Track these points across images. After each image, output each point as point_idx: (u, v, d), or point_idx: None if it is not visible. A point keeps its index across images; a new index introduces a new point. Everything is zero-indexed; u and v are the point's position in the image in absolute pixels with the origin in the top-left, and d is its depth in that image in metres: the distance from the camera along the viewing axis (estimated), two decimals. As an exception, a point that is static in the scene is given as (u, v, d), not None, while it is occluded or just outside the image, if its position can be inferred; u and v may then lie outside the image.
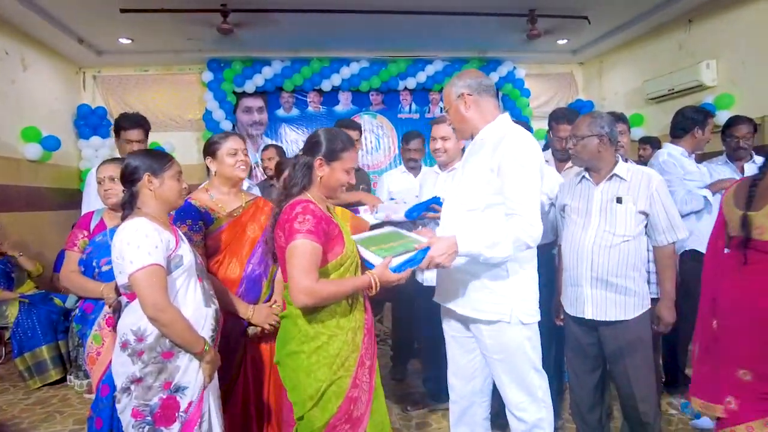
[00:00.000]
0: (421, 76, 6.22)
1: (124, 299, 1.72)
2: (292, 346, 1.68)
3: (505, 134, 1.84)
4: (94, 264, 2.14)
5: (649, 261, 2.28)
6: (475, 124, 1.92)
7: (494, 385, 2.05)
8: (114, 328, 1.78)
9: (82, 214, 2.40)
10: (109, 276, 2.10)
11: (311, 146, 1.76)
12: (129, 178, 1.74)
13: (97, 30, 4.93)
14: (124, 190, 1.77)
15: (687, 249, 2.86)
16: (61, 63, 5.48)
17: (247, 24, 4.86)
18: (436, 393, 2.95)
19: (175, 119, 6.04)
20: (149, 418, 1.62)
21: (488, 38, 5.71)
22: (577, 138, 2.17)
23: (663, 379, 2.96)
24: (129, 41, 5.23)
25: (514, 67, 6.36)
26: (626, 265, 2.10)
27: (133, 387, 1.62)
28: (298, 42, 5.58)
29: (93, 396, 3.31)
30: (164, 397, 1.62)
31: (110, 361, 2.05)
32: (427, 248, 1.71)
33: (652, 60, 5.66)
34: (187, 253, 1.72)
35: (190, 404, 1.66)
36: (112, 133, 2.85)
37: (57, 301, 3.78)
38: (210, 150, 2.14)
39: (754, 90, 4.47)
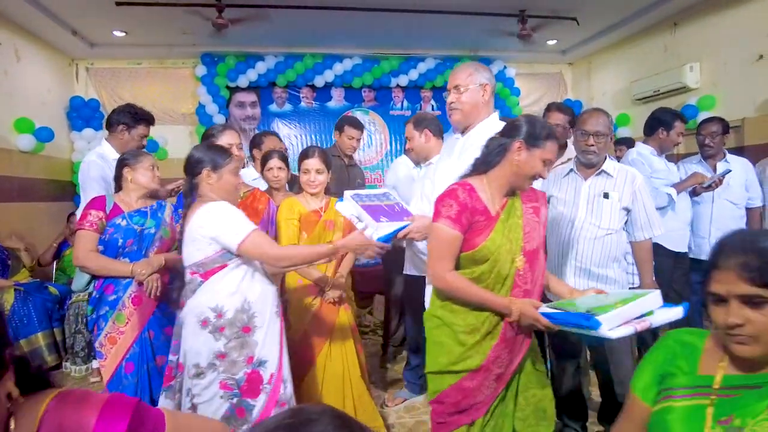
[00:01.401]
0: (413, 74, 6.29)
1: (197, 278, 1.78)
2: (426, 312, 1.81)
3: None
4: (119, 244, 2.22)
5: (627, 254, 2.40)
6: (478, 116, 2.03)
7: None
8: (146, 300, 1.92)
9: (87, 199, 2.43)
10: (133, 256, 2.22)
11: (512, 128, 1.69)
12: (191, 170, 1.85)
13: (92, 22, 4.94)
14: (185, 179, 1.88)
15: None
16: (54, 55, 5.48)
17: (241, 19, 4.90)
18: (411, 381, 3.06)
19: (169, 113, 6.06)
20: (237, 390, 1.74)
21: (479, 37, 5.80)
22: (601, 135, 2.21)
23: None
24: (123, 34, 5.24)
25: (505, 66, 6.46)
26: (608, 256, 2.22)
27: (218, 362, 1.73)
28: (292, 38, 5.63)
29: (95, 379, 3.42)
30: (249, 371, 1.75)
31: (134, 339, 2.16)
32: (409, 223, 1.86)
33: (639, 61, 5.79)
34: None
35: (272, 376, 1.79)
36: (115, 126, 2.83)
37: (51, 289, 3.81)
38: (207, 142, 2.23)
39: (734, 92, 4.61)
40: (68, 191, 5.44)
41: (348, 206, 1.92)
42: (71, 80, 5.85)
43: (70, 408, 0.74)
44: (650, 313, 1.51)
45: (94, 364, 3.59)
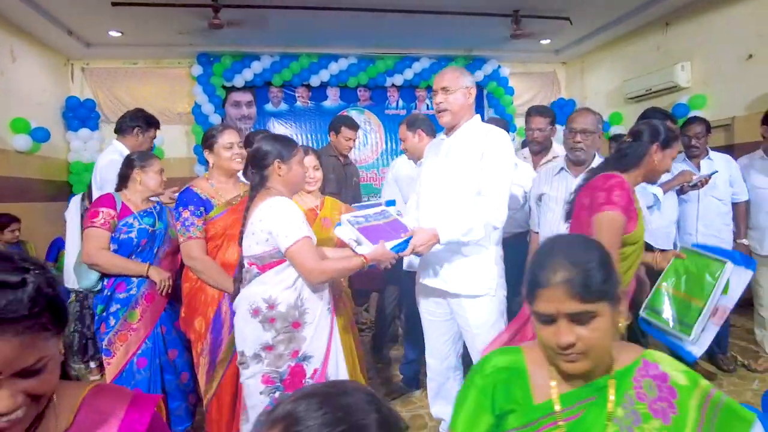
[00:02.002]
0: (408, 73, 6.34)
1: (254, 269, 1.82)
2: None
3: (490, 129, 2.07)
4: (134, 243, 2.26)
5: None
6: (463, 117, 2.10)
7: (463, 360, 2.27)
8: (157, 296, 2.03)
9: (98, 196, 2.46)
10: (145, 256, 2.29)
11: (644, 133, 1.91)
12: (259, 163, 1.84)
13: (87, 22, 4.95)
14: (253, 172, 1.86)
15: None
16: (49, 55, 5.48)
17: (237, 19, 4.92)
18: (411, 377, 3.10)
19: (164, 113, 6.06)
20: (279, 383, 1.76)
21: (474, 37, 5.85)
22: (588, 133, 2.30)
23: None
24: (119, 34, 5.25)
25: (499, 66, 6.52)
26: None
27: (264, 354, 1.75)
28: (288, 38, 5.66)
29: (95, 378, 3.45)
30: (293, 365, 1.76)
31: (147, 335, 2.22)
32: (410, 237, 1.90)
33: (631, 61, 5.86)
34: (312, 233, 1.85)
35: (315, 371, 1.81)
36: (129, 129, 2.98)
37: None
38: (207, 143, 2.26)
39: (724, 91, 4.68)
40: (64, 191, 5.45)
41: (346, 231, 1.96)
42: (67, 80, 5.86)
43: (106, 396, 0.84)
44: (726, 289, 1.70)
45: (92, 363, 3.61)
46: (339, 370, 1.92)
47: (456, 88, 2.05)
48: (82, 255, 2.26)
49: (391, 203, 2.53)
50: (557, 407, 0.99)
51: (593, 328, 0.92)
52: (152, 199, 2.48)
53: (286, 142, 1.89)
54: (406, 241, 1.90)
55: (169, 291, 2.29)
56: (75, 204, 3.55)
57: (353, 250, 1.92)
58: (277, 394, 1.76)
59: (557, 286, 0.92)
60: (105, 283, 2.28)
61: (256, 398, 1.78)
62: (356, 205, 2.75)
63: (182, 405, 2.35)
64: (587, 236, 1.05)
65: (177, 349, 2.34)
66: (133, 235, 2.26)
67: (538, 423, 0.99)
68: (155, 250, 2.32)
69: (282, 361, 1.77)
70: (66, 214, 3.57)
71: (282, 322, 1.76)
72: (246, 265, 1.85)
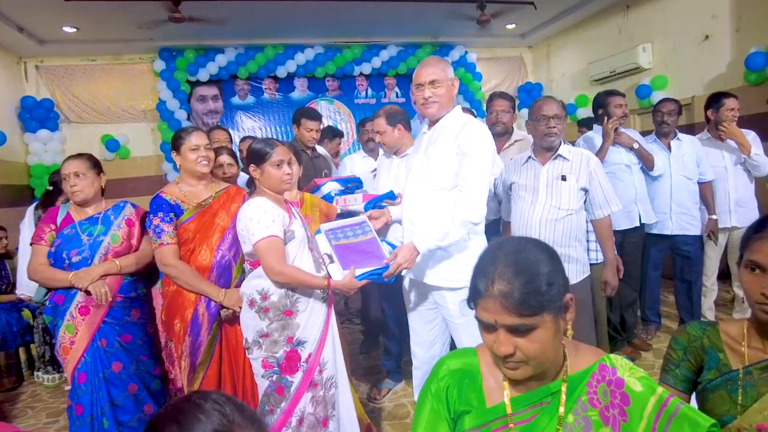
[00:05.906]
0: (376, 62, 6.31)
1: (247, 266, 2.01)
2: None
3: (467, 122, 2.05)
4: (64, 256, 2.17)
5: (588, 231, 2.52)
6: (448, 107, 2.09)
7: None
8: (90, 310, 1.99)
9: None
10: (79, 267, 2.17)
11: None
12: (246, 164, 2.05)
13: (39, 18, 4.74)
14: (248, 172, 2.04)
15: None
16: None
17: (199, 11, 4.79)
18: (393, 369, 3.13)
19: (128, 110, 5.90)
20: (276, 368, 1.91)
21: (440, 24, 5.85)
22: (559, 118, 2.35)
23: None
24: (74, 30, 5.05)
25: (466, 52, 6.54)
26: (569, 236, 2.33)
27: (262, 340, 1.91)
28: (252, 29, 5.55)
29: (69, 387, 3.36)
30: (288, 350, 1.92)
31: (84, 349, 2.13)
32: (387, 266, 1.95)
33: (595, 43, 5.96)
34: (299, 228, 1.99)
35: (309, 355, 1.95)
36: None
37: (25, 312, 3.71)
38: (175, 145, 2.23)
39: (684, 72, 4.82)
40: (25, 195, 5.25)
41: (323, 243, 2.03)
42: (20, 79, 5.61)
43: None
44: None
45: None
46: (336, 354, 2.04)
47: (443, 81, 2.03)
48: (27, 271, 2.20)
49: (390, 195, 2.52)
50: (509, 410, 0.98)
51: (532, 340, 0.90)
52: (121, 200, 2.38)
53: (261, 146, 1.97)
54: (380, 270, 1.93)
55: (109, 299, 2.14)
56: (30, 214, 3.42)
57: (325, 266, 2.02)
58: (274, 378, 1.91)
59: (494, 298, 0.90)
60: (47, 296, 2.22)
61: (259, 380, 1.96)
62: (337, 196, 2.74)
63: (135, 416, 2.24)
64: (538, 241, 0.99)
65: (121, 362, 2.20)
66: (63, 247, 2.18)
67: (491, 425, 0.99)
68: (91, 261, 2.17)
69: (278, 346, 1.90)
70: (21, 224, 3.43)
71: (275, 311, 1.90)
72: (245, 262, 2.03)
